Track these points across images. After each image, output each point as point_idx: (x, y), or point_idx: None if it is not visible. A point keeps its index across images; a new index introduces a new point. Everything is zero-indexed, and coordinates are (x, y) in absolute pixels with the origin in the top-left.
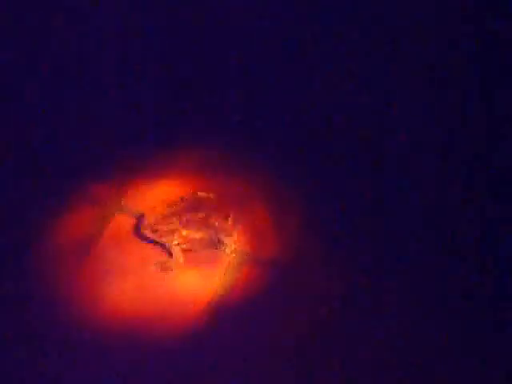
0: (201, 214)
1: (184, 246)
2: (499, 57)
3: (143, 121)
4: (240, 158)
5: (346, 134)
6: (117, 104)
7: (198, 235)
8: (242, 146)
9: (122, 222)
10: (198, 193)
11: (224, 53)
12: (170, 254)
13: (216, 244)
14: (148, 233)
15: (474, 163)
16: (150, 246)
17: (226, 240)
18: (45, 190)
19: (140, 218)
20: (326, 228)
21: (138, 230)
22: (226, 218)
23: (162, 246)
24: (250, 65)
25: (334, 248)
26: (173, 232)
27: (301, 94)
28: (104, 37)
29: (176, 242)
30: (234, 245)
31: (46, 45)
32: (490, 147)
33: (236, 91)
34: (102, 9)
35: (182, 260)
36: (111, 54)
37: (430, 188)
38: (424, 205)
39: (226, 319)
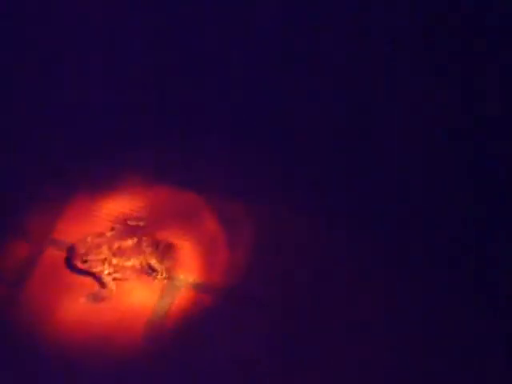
0: (131, 242)
1: (116, 275)
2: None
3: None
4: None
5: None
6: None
7: (128, 263)
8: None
9: (54, 254)
10: (128, 221)
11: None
12: (102, 284)
13: (148, 271)
14: (79, 264)
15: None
16: (83, 276)
17: (158, 266)
18: None
19: (70, 249)
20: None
21: (68, 262)
22: (157, 244)
23: (94, 276)
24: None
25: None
26: (103, 261)
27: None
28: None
29: (107, 272)
30: (165, 271)
31: None
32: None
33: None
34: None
35: (114, 289)
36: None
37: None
38: None
39: (162, 344)
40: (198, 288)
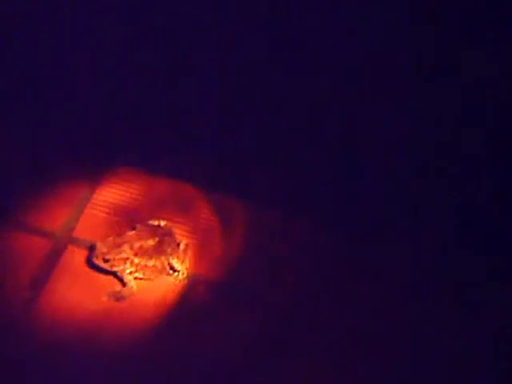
0: (152, 242)
1: (137, 275)
2: None
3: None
4: (193, 184)
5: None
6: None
7: (150, 263)
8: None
9: (75, 253)
10: (149, 221)
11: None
12: (124, 283)
13: (168, 271)
14: (100, 263)
15: None
16: (103, 275)
17: (179, 266)
18: None
19: (92, 248)
20: (278, 250)
21: (90, 261)
22: (178, 244)
23: (115, 275)
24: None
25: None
26: (125, 260)
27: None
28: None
29: (128, 271)
30: (186, 271)
31: None
32: None
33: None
34: None
35: (135, 288)
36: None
37: None
38: None
39: (183, 344)
40: (217, 289)
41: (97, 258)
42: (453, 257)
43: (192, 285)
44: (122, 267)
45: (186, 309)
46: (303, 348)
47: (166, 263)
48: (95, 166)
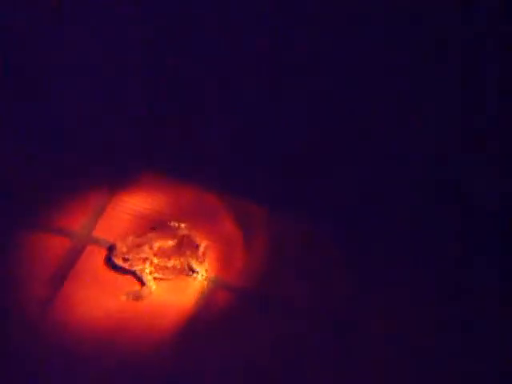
0: (172, 242)
1: (156, 275)
2: None
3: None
4: (213, 186)
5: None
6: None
7: (169, 263)
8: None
9: (94, 252)
10: (169, 222)
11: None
12: (142, 283)
13: (188, 272)
14: (119, 262)
15: None
16: (122, 275)
17: (198, 267)
18: (15, 220)
19: (111, 247)
20: (299, 255)
21: (109, 260)
22: (198, 245)
23: (134, 274)
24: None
25: (307, 276)
26: (144, 260)
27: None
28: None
29: (148, 271)
30: (205, 272)
31: None
32: None
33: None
34: None
35: (154, 288)
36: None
37: None
38: None
39: (201, 346)
40: (236, 291)
41: (116, 257)
42: None
43: (211, 286)
44: (141, 267)
45: (205, 310)
46: (331, 356)
47: (185, 264)
48: (118, 168)
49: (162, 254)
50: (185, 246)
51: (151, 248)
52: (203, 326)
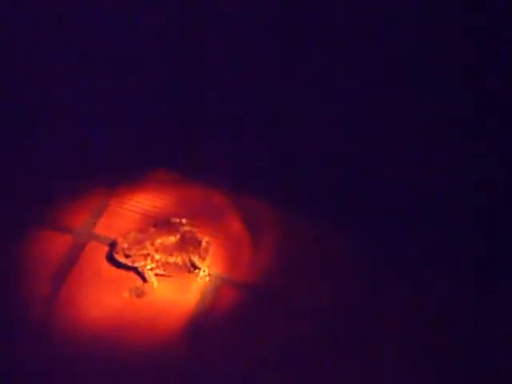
0: (174, 238)
1: (158, 271)
2: None
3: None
4: (217, 182)
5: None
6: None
7: (171, 259)
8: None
9: (96, 249)
10: (171, 219)
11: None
12: (144, 279)
13: (189, 268)
14: (121, 258)
15: None
16: (124, 271)
17: (200, 264)
18: (18, 218)
19: (112, 244)
20: (303, 252)
21: (111, 256)
22: (200, 241)
23: (136, 271)
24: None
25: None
26: (146, 257)
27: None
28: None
29: (149, 267)
30: (207, 268)
31: None
32: None
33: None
34: None
35: (156, 284)
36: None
37: None
38: None
39: (203, 342)
40: (239, 287)
41: (117, 253)
42: None
43: (214, 283)
44: (142, 263)
45: (207, 307)
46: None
47: (187, 260)
48: (120, 165)
49: (164, 250)
50: (187, 242)
51: (153, 244)
52: (207, 323)
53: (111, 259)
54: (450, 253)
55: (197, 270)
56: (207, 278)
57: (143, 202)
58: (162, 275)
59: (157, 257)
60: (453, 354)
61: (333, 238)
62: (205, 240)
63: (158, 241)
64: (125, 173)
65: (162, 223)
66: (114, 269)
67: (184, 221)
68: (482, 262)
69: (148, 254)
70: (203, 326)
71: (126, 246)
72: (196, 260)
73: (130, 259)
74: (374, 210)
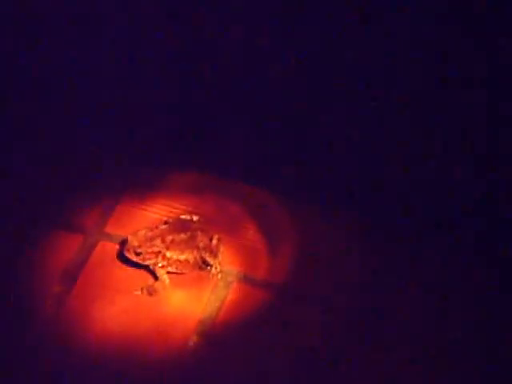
0: (184, 236)
1: (169, 268)
2: None
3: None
4: (229, 179)
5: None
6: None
7: (182, 257)
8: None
9: (107, 247)
10: (182, 216)
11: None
12: (156, 277)
13: (201, 265)
14: (132, 256)
15: None
16: (135, 269)
17: (211, 261)
18: (30, 218)
19: (123, 241)
20: (317, 249)
21: (122, 254)
22: (211, 238)
23: (147, 268)
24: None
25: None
26: (157, 254)
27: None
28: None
29: (161, 265)
30: (219, 265)
31: None
32: None
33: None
34: None
35: (167, 282)
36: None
37: None
38: None
39: (215, 339)
40: (250, 284)
41: (128, 251)
42: None
43: (226, 280)
44: (153, 261)
45: (219, 304)
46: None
47: (198, 257)
48: (130, 164)
49: (175, 247)
50: (198, 239)
51: (163, 241)
52: (219, 322)
53: (122, 257)
54: None
55: (208, 267)
56: (219, 275)
57: (153, 201)
58: (173, 273)
59: (168, 254)
60: (465, 353)
61: (346, 236)
62: (216, 237)
63: (169, 238)
64: (135, 172)
65: (173, 220)
66: (125, 267)
67: (195, 218)
68: None
69: (159, 252)
70: (217, 325)
71: (136, 243)
72: (207, 257)
73: (141, 257)
74: (388, 211)
